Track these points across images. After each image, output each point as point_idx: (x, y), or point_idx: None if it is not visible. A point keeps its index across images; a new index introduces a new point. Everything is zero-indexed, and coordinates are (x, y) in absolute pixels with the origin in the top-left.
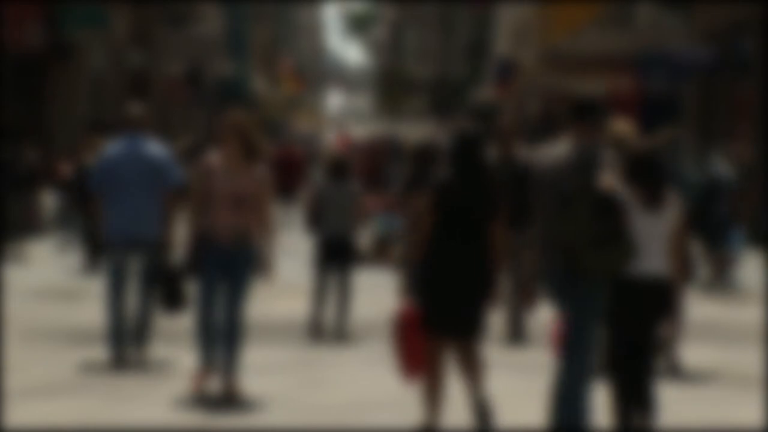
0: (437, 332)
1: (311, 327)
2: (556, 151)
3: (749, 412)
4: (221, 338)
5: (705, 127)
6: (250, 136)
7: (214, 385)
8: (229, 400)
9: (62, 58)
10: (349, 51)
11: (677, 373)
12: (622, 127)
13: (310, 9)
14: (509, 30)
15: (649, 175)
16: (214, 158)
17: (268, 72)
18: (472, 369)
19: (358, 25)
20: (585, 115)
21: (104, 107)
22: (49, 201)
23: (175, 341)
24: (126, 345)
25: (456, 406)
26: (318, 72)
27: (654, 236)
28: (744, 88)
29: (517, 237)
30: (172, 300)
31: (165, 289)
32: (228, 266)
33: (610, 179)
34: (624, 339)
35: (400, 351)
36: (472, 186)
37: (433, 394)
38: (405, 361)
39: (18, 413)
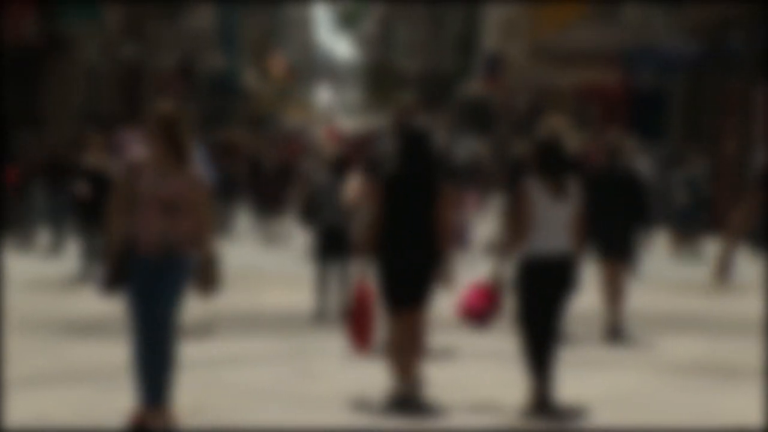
0: (396, 305)
1: (316, 316)
2: None
3: (740, 403)
4: (150, 362)
5: (692, 123)
6: (179, 132)
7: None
8: None
9: (57, 50)
10: (339, 46)
11: (619, 337)
12: (558, 122)
13: (300, 4)
14: (498, 24)
15: (555, 165)
16: (142, 156)
17: (259, 66)
18: (415, 339)
19: (347, 21)
20: None
21: (98, 99)
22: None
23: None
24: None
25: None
26: (308, 66)
27: (559, 220)
28: (732, 83)
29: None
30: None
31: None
32: (155, 280)
33: None
34: (534, 312)
35: (354, 324)
36: (418, 176)
37: (402, 364)
38: (356, 334)
39: (17, 403)
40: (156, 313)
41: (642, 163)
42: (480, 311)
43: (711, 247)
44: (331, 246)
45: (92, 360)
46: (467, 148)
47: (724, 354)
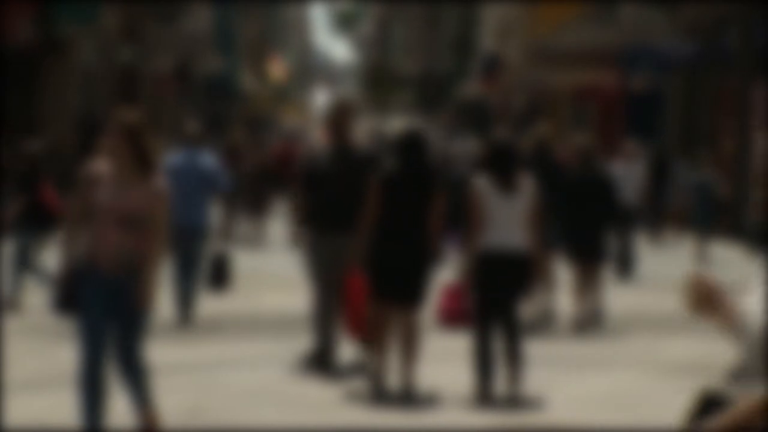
0: (384, 300)
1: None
2: None
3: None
4: (122, 380)
5: (689, 122)
6: (143, 141)
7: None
8: None
9: (54, 53)
10: (336, 47)
11: (599, 324)
12: (544, 128)
13: (297, 6)
14: (495, 25)
15: (503, 164)
16: (101, 166)
17: (257, 68)
18: (411, 338)
19: (345, 22)
20: None
21: (94, 102)
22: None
23: (177, 336)
24: (189, 308)
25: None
26: (305, 68)
27: (510, 216)
28: (729, 82)
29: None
30: (219, 279)
31: (213, 270)
32: (115, 298)
33: None
34: (488, 304)
35: (347, 313)
36: (414, 175)
37: (378, 355)
38: (350, 322)
39: (15, 406)
40: (118, 333)
41: (638, 162)
42: (458, 312)
43: (717, 250)
44: None
45: None
46: (465, 148)
47: (723, 354)
